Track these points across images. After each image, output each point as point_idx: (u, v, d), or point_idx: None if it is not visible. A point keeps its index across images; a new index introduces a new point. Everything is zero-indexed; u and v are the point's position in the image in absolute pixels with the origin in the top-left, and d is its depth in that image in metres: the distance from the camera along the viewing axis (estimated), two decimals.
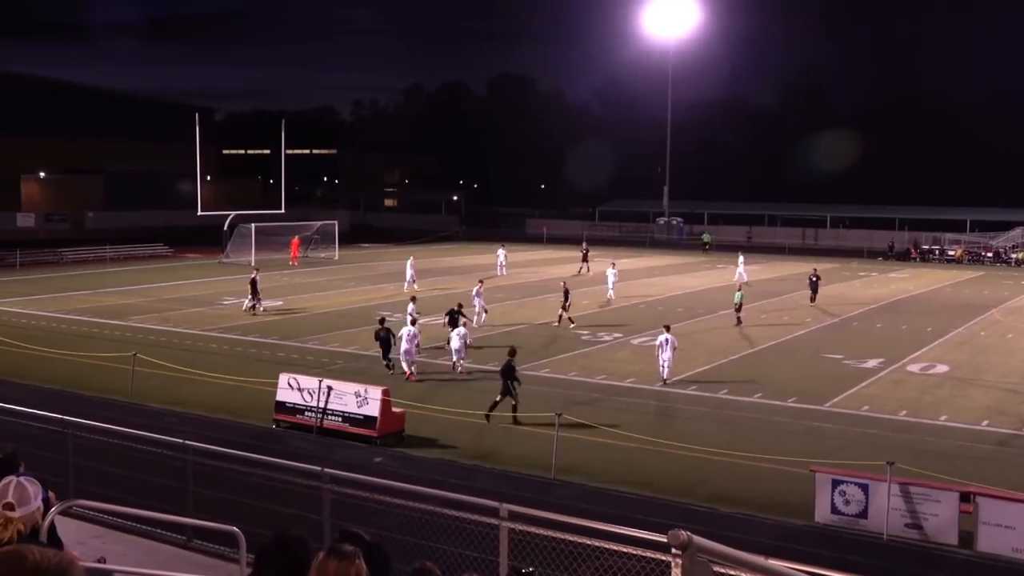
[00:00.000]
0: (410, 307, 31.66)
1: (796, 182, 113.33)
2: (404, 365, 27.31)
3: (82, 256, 62.01)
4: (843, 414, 23.81)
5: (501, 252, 55.76)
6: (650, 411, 24.00)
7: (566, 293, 37.11)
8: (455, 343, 28.31)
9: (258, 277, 39.33)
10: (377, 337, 28.39)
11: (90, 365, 27.88)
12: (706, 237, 78.86)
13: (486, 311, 36.68)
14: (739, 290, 38.47)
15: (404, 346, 27.25)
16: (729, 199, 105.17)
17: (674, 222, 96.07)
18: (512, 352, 23.16)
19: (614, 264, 46.14)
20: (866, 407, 24.49)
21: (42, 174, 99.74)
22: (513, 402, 22.34)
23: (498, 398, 22.38)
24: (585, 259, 58.21)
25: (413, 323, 28.00)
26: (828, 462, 17.92)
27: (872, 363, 30.33)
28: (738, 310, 37.62)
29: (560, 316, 36.62)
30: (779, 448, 20.18)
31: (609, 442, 20.57)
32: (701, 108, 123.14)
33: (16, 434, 14.33)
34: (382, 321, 28.83)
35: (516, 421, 22.04)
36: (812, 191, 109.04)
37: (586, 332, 35.34)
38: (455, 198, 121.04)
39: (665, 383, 26.66)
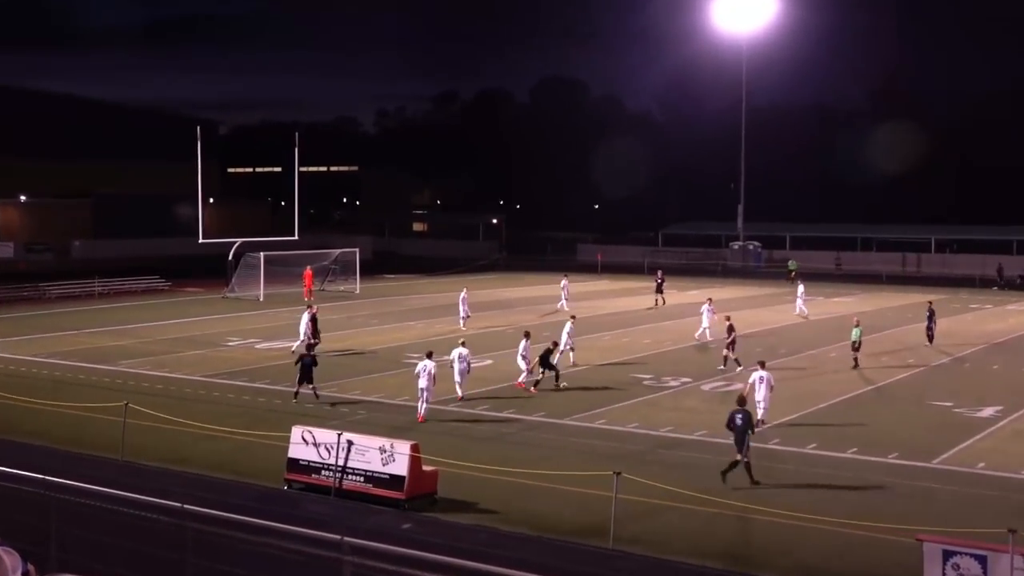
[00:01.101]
0: (522, 344, 32.65)
1: (893, 199, 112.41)
2: (420, 406, 28.21)
3: (68, 291, 62.83)
4: (955, 472, 23.44)
5: (564, 283, 55.94)
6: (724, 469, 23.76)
7: (730, 329, 37.00)
8: (457, 366, 30.10)
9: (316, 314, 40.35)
10: (299, 361, 30.46)
11: (76, 416, 28.18)
12: (792, 264, 78.50)
13: (572, 349, 37.31)
14: (857, 326, 37.72)
15: (422, 383, 28.04)
16: (814, 220, 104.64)
17: (750, 247, 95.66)
18: (742, 401, 23.43)
19: (711, 300, 45.15)
20: (982, 464, 24.10)
21: (23, 198, 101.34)
22: (745, 459, 22.40)
23: (739, 456, 22.35)
24: (660, 290, 58.21)
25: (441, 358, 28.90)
26: (938, 530, 17.61)
27: (988, 412, 29.86)
28: (856, 349, 37.19)
29: (725, 357, 36.72)
30: (878, 513, 19.87)
31: (677, 505, 20.39)
32: (781, 115, 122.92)
33: None
34: (310, 347, 31.13)
35: (753, 482, 22.08)
36: (912, 209, 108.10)
37: (648, 376, 35.17)
38: (494, 221, 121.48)
39: (760, 424, 27.06)
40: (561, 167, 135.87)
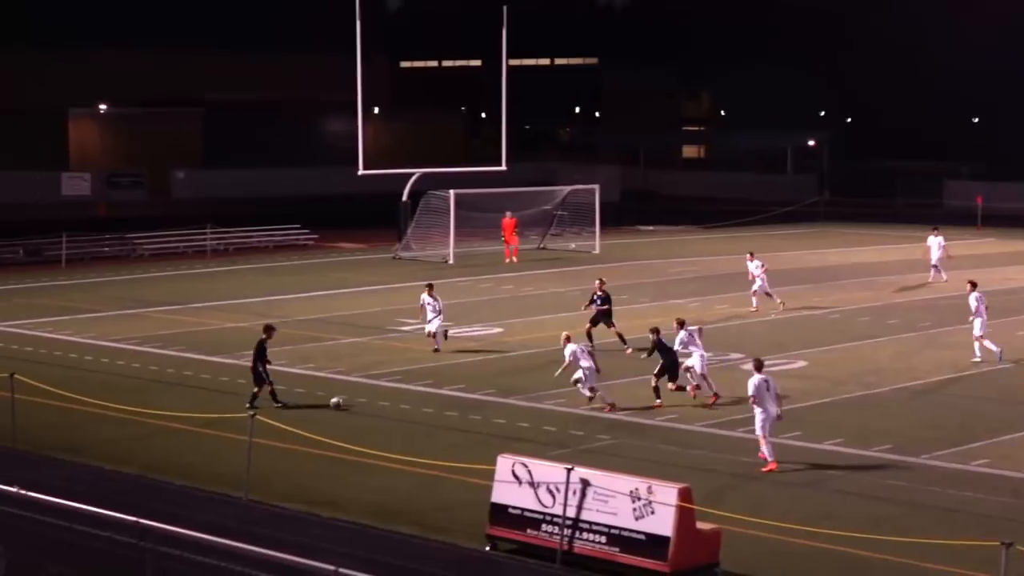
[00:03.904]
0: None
1: None
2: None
3: (167, 245, 65.10)
4: None
5: (934, 242, 54.92)
6: None
7: None
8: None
9: None
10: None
11: (186, 433, 29.31)
12: None
13: None
14: None
15: (584, 364, 30.07)
16: None
17: None
18: None
19: None
20: None
21: (103, 107, 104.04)
22: None
23: None
24: None
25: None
26: None
27: None
28: None
29: None
30: None
31: None
32: None
33: None
34: (268, 329, 32.31)
35: None
36: None
37: None
38: (811, 144, 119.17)
39: None
40: (919, 56, 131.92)
